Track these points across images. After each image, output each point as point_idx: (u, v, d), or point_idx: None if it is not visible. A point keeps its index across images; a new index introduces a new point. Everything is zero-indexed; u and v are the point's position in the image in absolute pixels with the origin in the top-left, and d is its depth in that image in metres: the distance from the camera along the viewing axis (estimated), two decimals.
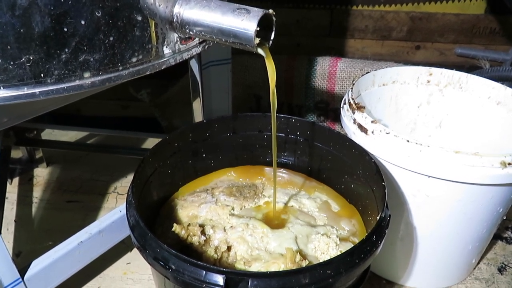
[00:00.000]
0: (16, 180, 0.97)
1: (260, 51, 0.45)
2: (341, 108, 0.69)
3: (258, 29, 0.42)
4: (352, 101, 0.65)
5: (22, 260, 0.75)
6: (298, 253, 0.50)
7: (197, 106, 0.76)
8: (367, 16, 1.09)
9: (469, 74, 0.75)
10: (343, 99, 0.69)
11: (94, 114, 1.23)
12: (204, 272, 0.41)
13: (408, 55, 1.14)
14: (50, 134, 1.11)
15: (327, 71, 1.02)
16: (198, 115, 0.77)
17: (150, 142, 1.07)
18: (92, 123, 1.21)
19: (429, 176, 0.58)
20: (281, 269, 0.49)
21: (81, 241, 0.62)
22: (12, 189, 0.94)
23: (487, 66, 1.03)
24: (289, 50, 1.15)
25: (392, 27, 1.10)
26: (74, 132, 1.11)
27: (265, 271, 0.49)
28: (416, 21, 1.08)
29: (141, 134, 1.04)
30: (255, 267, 0.50)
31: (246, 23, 0.42)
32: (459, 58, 1.11)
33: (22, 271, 0.57)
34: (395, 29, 1.10)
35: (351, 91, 0.68)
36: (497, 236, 0.82)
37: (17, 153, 1.01)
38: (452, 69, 0.77)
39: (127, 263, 0.77)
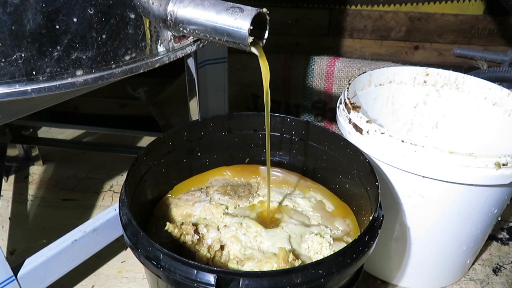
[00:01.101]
0: (11, 177, 0.97)
1: (253, 50, 0.45)
2: (337, 108, 0.68)
3: (251, 27, 0.42)
4: (347, 101, 0.65)
5: (16, 258, 0.75)
6: (291, 253, 0.50)
7: (193, 105, 0.75)
8: (366, 16, 1.09)
9: (465, 75, 0.75)
10: (339, 99, 0.69)
11: (92, 112, 1.23)
12: (195, 271, 0.41)
13: (407, 55, 1.14)
14: (46, 132, 1.11)
15: (325, 70, 1.01)
16: (194, 114, 0.76)
17: (147, 141, 1.07)
18: (90, 121, 1.22)
19: (423, 177, 0.57)
20: (274, 269, 0.49)
21: (75, 239, 0.62)
22: (7, 187, 0.94)
23: (485, 67, 1.03)
24: (288, 49, 1.15)
25: (391, 27, 1.10)
26: (71, 130, 1.11)
27: (257, 270, 0.48)
28: (415, 21, 1.08)
29: (138, 133, 1.03)
30: (248, 267, 0.50)
31: (239, 22, 0.42)
32: (457, 58, 1.11)
33: (16, 269, 0.57)
34: (393, 29, 1.10)
35: (347, 90, 0.68)
36: (492, 237, 0.82)
37: (13, 151, 1.01)
38: (450, 69, 0.76)
39: (122, 262, 0.77)
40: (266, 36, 0.46)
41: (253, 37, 0.43)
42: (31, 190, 0.94)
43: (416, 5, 1.06)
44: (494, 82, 0.73)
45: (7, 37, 0.39)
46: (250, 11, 0.42)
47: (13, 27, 0.39)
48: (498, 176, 0.54)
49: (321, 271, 0.42)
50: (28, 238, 0.81)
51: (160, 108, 1.09)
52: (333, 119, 1.06)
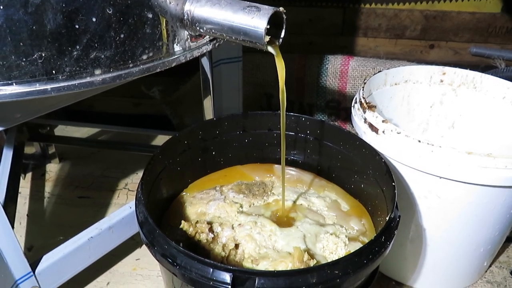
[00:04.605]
0: (29, 175, 0.98)
1: (270, 49, 0.45)
2: (352, 107, 0.68)
3: (268, 27, 0.42)
4: (363, 100, 0.65)
5: (33, 254, 0.77)
6: (306, 253, 0.50)
7: (208, 104, 0.76)
8: (381, 15, 1.08)
9: (483, 74, 0.73)
10: (354, 98, 0.69)
11: (106, 111, 1.24)
12: (211, 269, 0.41)
13: (422, 54, 1.12)
14: (63, 130, 1.12)
15: (338, 70, 1.01)
16: (208, 113, 0.77)
17: (161, 139, 1.08)
18: (104, 119, 1.23)
19: (440, 177, 0.57)
20: (288, 268, 0.49)
21: (91, 237, 0.63)
22: (25, 184, 0.95)
23: (503, 66, 1.01)
24: (301, 48, 1.15)
25: (406, 26, 1.09)
26: (87, 128, 1.12)
27: (273, 270, 0.48)
28: (430, 19, 1.07)
29: (152, 132, 1.04)
30: (263, 266, 0.50)
31: (256, 21, 0.42)
32: (474, 57, 1.10)
33: (33, 265, 0.58)
34: (408, 28, 1.09)
35: (362, 90, 0.67)
36: (510, 239, 0.80)
37: (30, 149, 1.02)
38: (466, 68, 0.75)
39: (137, 259, 0.77)
40: (282, 35, 0.45)
41: (269, 36, 0.43)
42: (48, 187, 0.95)
43: (432, 3, 1.05)
44: None
45: (28, 36, 0.39)
46: (267, 10, 0.42)
47: (33, 27, 0.39)
48: None
49: (337, 271, 0.41)
50: (45, 234, 0.82)
51: (174, 107, 1.10)
52: (347, 118, 1.06)
